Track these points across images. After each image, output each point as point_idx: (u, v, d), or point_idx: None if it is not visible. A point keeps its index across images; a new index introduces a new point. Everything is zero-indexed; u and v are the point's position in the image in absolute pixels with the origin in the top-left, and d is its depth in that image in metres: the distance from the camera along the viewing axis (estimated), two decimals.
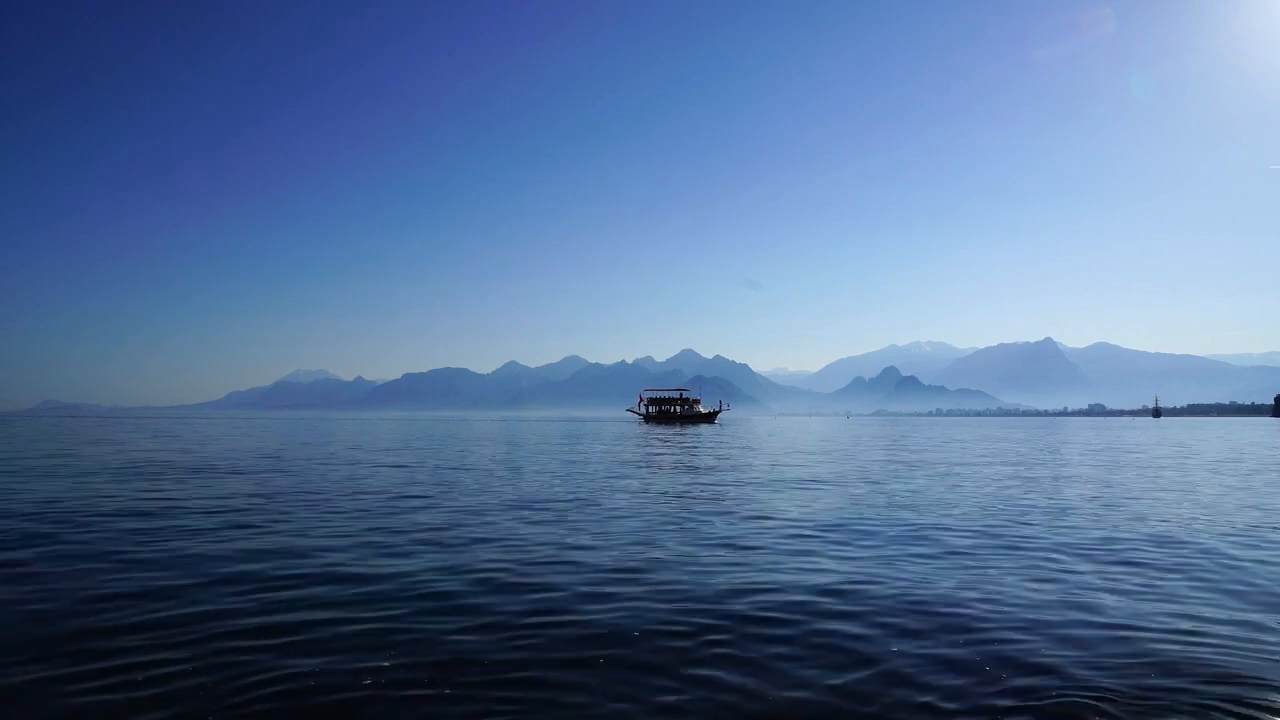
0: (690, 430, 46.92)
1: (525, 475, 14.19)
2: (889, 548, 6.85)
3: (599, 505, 9.79)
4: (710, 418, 73.89)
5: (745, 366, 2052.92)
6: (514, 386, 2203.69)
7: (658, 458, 20.00)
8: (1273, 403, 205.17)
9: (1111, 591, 5.28)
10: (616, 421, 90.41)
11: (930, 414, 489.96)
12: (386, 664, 3.75)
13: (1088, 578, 5.69)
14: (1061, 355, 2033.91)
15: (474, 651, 3.93)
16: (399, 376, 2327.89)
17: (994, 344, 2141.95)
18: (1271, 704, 3.33)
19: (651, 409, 73.70)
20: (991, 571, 5.87)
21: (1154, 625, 4.46)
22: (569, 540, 7.11)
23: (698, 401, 73.99)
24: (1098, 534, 7.68)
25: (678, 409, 72.76)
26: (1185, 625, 4.47)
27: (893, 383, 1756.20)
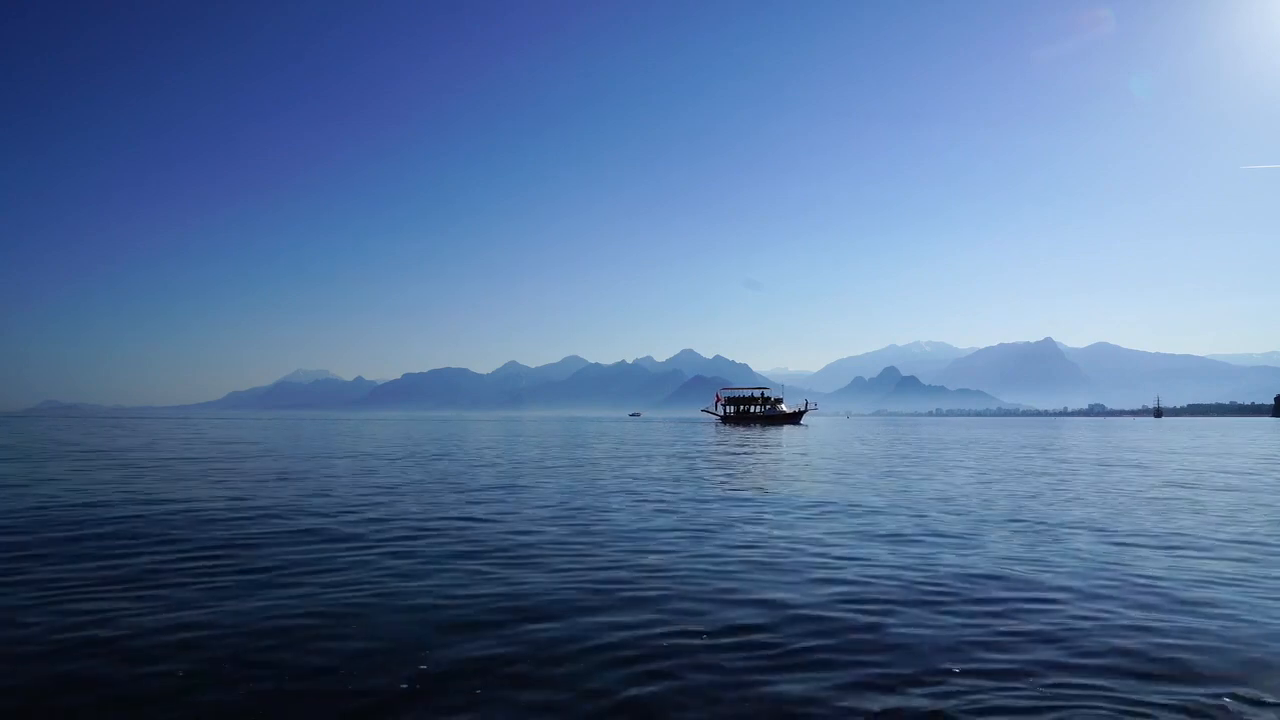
0: (781, 434, 39.62)
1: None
2: None
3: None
4: (795, 418, 68.28)
5: (745, 366, 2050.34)
6: (514, 386, 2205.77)
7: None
8: (1273, 402, 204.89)
9: None
10: (625, 421, 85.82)
11: (930, 414, 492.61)
12: None
13: None
14: (1061, 355, 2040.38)
15: None
16: (399, 376, 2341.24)
17: (994, 344, 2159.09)
18: None
19: (730, 409, 71.28)
20: None
21: None
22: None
23: (780, 401, 69.41)
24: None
25: (758, 409, 69.11)
26: None
27: (893, 383, 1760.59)
